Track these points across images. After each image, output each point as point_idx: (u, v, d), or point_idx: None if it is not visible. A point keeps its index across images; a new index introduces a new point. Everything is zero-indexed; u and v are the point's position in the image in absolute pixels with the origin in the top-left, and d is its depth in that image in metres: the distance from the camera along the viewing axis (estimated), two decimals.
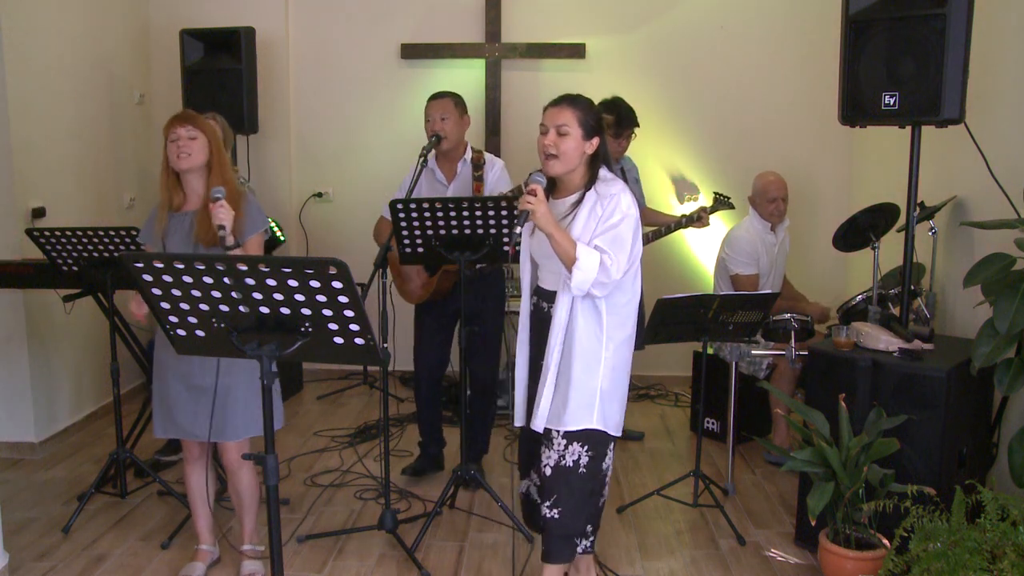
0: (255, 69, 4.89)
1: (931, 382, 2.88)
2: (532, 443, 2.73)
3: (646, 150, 4.80)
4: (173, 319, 2.02)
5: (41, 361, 4.21)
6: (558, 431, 2.59)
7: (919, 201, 3.41)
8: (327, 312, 1.89)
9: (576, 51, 5.17)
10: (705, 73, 5.23)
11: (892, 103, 3.11)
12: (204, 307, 1.95)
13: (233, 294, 1.90)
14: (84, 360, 4.55)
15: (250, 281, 1.86)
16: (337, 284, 1.82)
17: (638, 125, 4.13)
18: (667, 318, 3.31)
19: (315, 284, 1.83)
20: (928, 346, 3.10)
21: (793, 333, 3.72)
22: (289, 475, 3.93)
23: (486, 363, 3.82)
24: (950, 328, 3.68)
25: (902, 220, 3.59)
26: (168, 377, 2.86)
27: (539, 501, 2.69)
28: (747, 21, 5.18)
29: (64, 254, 3.37)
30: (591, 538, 2.69)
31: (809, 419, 3.02)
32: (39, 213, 4.14)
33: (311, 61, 5.39)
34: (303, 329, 1.94)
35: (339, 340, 1.96)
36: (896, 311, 3.60)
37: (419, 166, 3.50)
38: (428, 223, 3.11)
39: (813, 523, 2.86)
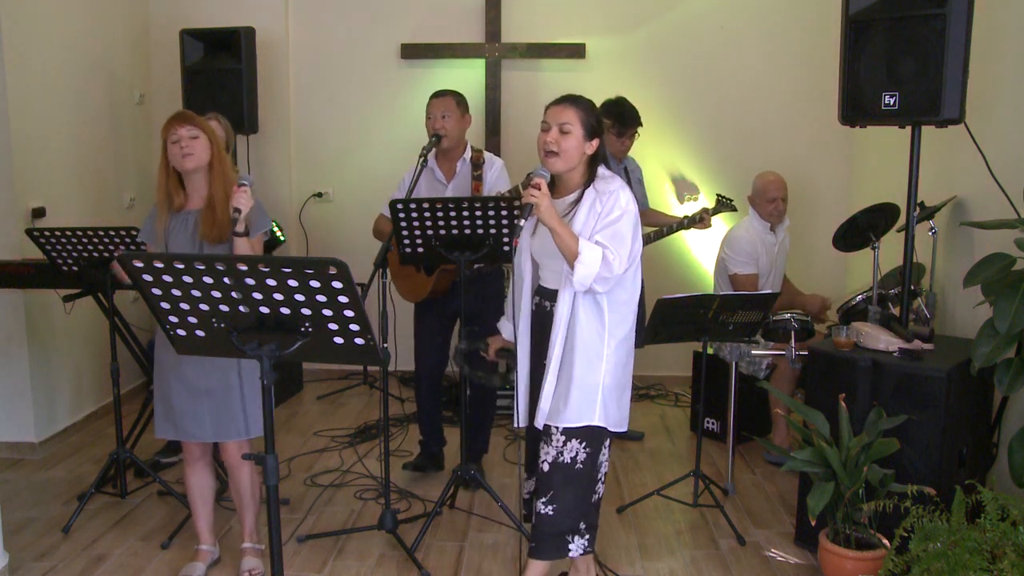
0: (255, 69, 4.89)
1: (931, 382, 2.88)
2: (538, 442, 2.72)
3: (646, 150, 4.80)
4: (173, 319, 2.02)
5: (41, 361, 4.21)
6: (558, 427, 2.59)
7: (919, 201, 3.40)
8: (327, 312, 1.89)
9: (576, 51, 5.17)
10: (705, 73, 5.24)
11: (892, 103, 3.11)
12: (204, 307, 1.95)
13: (233, 294, 1.90)
14: (84, 360, 4.55)
15: (250, 281, 1.86)
16: (337, 284, 1.82)
17: (641, 124, 4.13)
18: (667, 318, 3.31)
19: (315, 284, 1.83)
20: (928, 346, 3.10)
21: (793, 333, 3.72)
22: (289, 475, 3.93)
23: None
24: (950, 328, 3.68)
25: (902, 220, 3.59)
26: (169, 378, 2.86)
27: (535, 497, 2.69)
28: (747, 21, 5.18)
29: (64, 254, 3.37)
30: (588, 537, 2.67)
31: (809, 419, 3.02)
32: (39, 213, 4.14)
33: (311, 61, 5.39)
34: (303, 329, 1.94)
35: (339, 340, 1.96)
36: (896, 311, 3.60)
37: (419, 166, 3.50)
38: (428, 223, 3.11)
39: (813, 523, 2.86)
